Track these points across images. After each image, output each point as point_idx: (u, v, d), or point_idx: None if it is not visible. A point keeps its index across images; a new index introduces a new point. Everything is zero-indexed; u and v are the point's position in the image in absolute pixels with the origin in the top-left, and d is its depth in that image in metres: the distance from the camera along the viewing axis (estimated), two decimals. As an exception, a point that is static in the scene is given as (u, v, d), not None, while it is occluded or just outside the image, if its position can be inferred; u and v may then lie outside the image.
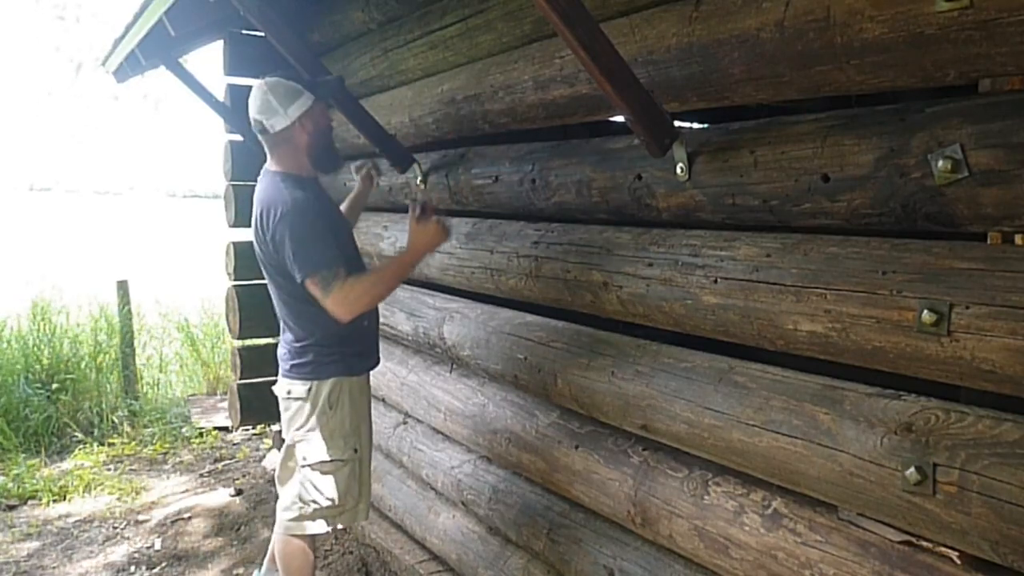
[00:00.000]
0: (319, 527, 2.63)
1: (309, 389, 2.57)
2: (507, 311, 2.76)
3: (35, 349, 6.00)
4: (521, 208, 2.61)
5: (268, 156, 2.57)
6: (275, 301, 2.66)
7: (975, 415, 1.36)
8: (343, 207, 2.98)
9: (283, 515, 2.66)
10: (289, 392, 2.61)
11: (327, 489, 2.59)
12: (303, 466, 2.59)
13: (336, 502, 2.60)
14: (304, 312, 2.54)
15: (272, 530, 3.78)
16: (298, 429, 2.59)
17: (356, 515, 2.70)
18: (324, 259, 2.38)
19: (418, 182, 3.11)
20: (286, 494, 2.65)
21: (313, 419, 2.57)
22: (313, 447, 2.58)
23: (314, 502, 2.59)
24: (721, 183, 1.80)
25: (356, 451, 2.63)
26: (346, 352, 2.60)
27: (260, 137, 2.55)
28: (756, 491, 1.82)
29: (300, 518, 2.62)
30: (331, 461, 2.58)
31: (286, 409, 2.64)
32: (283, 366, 2.65)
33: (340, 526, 2.67)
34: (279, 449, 4.65)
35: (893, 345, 1.45)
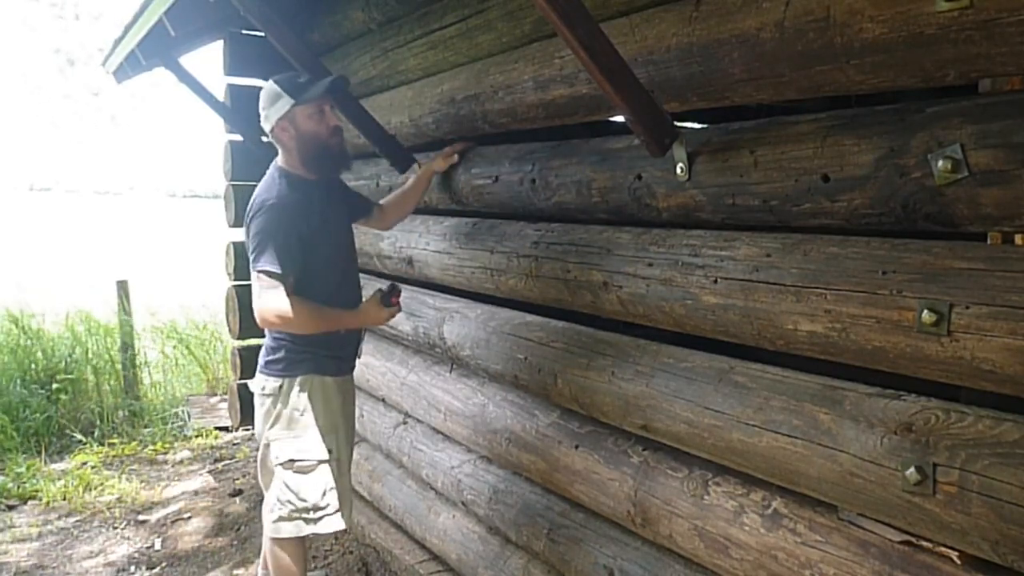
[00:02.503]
0: (297, 529, 2.58)
1: (280, 386, 2.56)
2: (507, 311, 2.75)
3: (33, 349, 5.99)
4: (521, 208, 2.61)
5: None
6: None
7: (975, 415, 1.36)
8: (388, 199, 2.96)
9: (267, 517, 2.64)
10: (263, 388, 2.60)
11: (301, 489, 2.56)
12: (276, 465, 2.58)
13: (311, 504, 2.56)
14: None
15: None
16: (271, 428, 2.58)
17: (337, 522, 2.62)
18: (278, 262, 2.37)
19: None
20: (268, 496, 2.65)
21: (284, 417, 2.55)
22: (285, 446, 2.56)
23: (289, 503, 2.56)
24: (721, 183, 1.80)
25: (331, 451, 2.59)
26: (319, 353, 2.58)
27: None
28: (756, 491, 1.82)
29: (280, 520, 2.59)
30: (304, 461, 2.56)
31: (260, 405, 2.63)
32: (260, 361, 2.65)
33: (320, 531, 2.62)
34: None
35: (893, 345, 1.45)
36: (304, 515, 2.58)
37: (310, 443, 2.56)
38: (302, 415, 2.55)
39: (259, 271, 2.38)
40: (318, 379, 2.58)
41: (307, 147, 2.51)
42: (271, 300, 2.38)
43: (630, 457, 2.17)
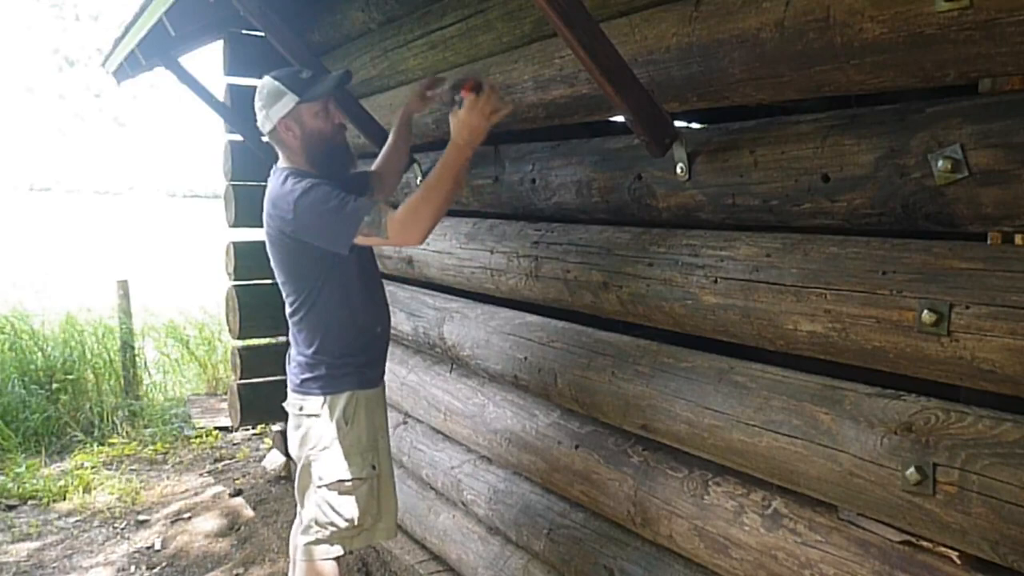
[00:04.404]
0: (336, 550, 2.46)
1: (323, 404, 2.41)
2: (507, 311, 2.75)
3: (32, 350, 6.00)
4: (521, 208, 2.61)
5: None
6: (286, 309, 2.51)
7: (975, 415, 1.36)
8: (378, 163, 2.80)
9: (301, 538, 2.49)
10: (301, 408, 2.44)
11: (345, 510, 2.42)
12: (319, 487, 2.42)
13: (355, 523, 2.44)
14: (309, 319, 2.41)
15: (272, 530, 3.79)
16: (312, 448, 2.43)
17: (374, 534, 2.52)
18: (359, 208, 2.18)
19: (417, 181, 3.10)
20: (304, 516, 2.49)
21: (327, 436, 2.41)
22: (328, 466, 2.41)
23: (332, 524, 2.42)
24: (721, 183, 1.80)
25: (375, 467, 2.46)
26: (359, 362, 2.44)
27: None
28: (756, 491, 1.82)
29: (317, 542, 2.45)
30: (348, 480, 2.42)
31: (297, 427, 2.47)
32: (293, 380, 2.48)
33: (357, 546, 2.52)
34: (280, 450, 4.66)
35: (893, 345, 1.45)
36: (346, 535, 2.45)
37: (355, 462, 2.42)
38: (346, 434, 2.41)
39: (359, 227, 2.17)
40: (361, 394, 2.45)
41: (313, 146, 2.37)
42: (398, 219, 2.15)
43: (630, 457, 2.17)
